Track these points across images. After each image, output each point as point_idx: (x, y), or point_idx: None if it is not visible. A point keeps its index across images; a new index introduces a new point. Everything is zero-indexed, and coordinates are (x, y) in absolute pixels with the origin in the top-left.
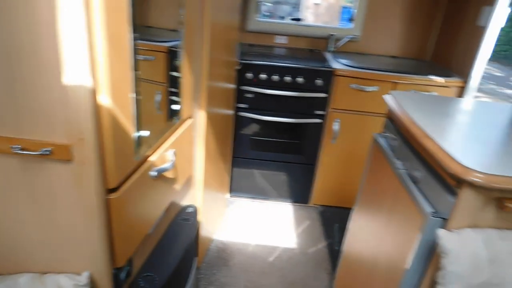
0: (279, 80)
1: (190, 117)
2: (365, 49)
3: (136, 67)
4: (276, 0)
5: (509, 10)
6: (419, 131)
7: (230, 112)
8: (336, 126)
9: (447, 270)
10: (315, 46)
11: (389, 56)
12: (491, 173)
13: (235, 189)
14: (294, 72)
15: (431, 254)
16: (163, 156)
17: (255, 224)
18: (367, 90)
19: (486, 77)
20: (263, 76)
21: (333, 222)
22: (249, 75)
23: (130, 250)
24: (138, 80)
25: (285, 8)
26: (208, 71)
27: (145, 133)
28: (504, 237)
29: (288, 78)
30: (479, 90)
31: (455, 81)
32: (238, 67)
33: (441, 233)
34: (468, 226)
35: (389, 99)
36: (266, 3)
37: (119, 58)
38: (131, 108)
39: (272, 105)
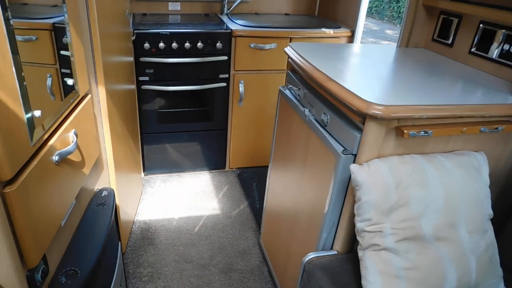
0: (179, 48)
1: (87, 94)
2: (258, 8)
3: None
4: None
5: None
6: (321, 76)
7: (132, 86)
8: (241, 87)
9: (362, 201)
10: (210, 10)
11: (282, 14)
12: (389, 104)
13: (149, 167)
14: (193, 37)
15: (346, 190)
16: (64, 138)
17: (176, 198)
18: (266, 48)
19: (366, 32)
20: (161, 45)
21: (251, 182)
22: (147, 45)
23: (42, 247)
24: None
25: None
26: (100, 44)
27: (37, 113)
28: (404, 162)
29: (187, 45)
30: (362, 43)
31: (343, 32)
32: (133, 38)
33: (353, 167)
34: (375, 157)
35: (289, 51)
36: None
37: None
38: (15, 86)
39: (174, 74)
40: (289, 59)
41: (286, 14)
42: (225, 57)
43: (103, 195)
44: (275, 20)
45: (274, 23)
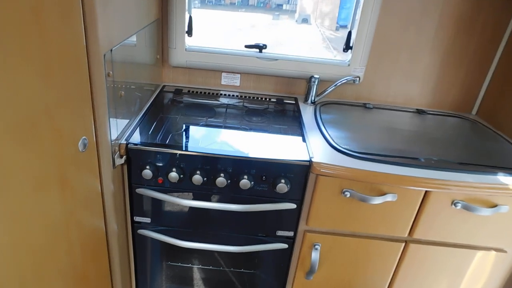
0: (206, 182)
1: None
2: (371, 95)
3: None
4: None
5: None
6: None
7: (99, 224)
8: (314, 254)
9: None
10: (287, 91)
11: (411, 110)
12: None
13: None
14: (234, 167)
15: None
16: None
17: None
18: (374, 202)
19: None
20: (173, 175)
21: None
22: (147, 172)
23: None
24: None
25: None
26: None
27: None
28: None
29: (222, 180)
30: None
31: None
32: (121, 162)
33: None
34: None
35: None
36: None
37: None
38: None
39: (194, 222)
40: None
41: (418, 111)
42: (293, 205)
43: None
44: (400, 129)
45: (398, 140)
